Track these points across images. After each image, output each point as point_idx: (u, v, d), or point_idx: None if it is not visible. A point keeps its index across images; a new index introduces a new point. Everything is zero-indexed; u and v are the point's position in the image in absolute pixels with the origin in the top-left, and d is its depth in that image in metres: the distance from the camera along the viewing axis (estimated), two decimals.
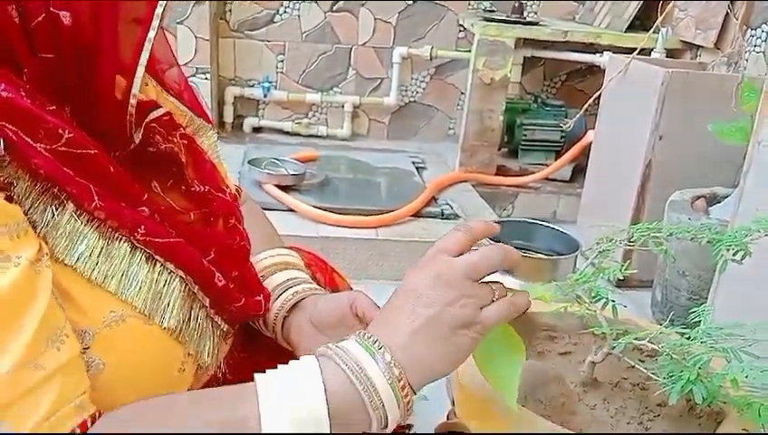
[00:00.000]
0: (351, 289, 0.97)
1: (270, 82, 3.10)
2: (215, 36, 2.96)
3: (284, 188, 2.31)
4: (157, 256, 0.61)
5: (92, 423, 0.53)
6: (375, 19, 3.10)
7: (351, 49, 3.14)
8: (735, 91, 1.82)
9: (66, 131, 0.55)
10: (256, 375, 0.57)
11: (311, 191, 2.38)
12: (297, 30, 3.09)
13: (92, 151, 0.57)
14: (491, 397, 0.70)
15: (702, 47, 2.48)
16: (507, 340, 0.65)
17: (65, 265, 0.56)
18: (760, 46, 2.17)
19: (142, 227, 0.59)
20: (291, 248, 0.90)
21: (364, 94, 3.21)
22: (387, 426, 0.58)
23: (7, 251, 0.50)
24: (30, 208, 0.54)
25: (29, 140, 0.53)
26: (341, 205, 2.25)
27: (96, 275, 0.57)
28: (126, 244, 0.59)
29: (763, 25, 2.17)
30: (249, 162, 2.43)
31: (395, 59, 3.11)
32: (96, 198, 0.56)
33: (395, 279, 2.08)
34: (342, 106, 3.20)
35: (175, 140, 0.70)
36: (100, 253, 0.57)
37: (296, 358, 0.59)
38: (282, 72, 3.15)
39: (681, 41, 2.57)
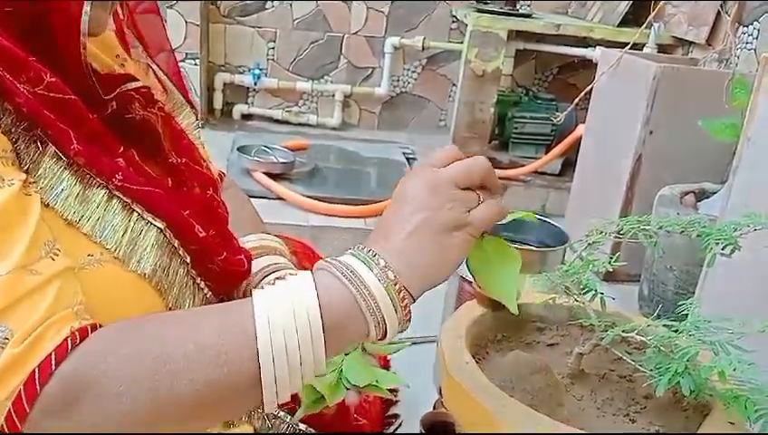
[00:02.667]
0: None
1: (260, 70, 3.08)
2: (205, 21, 2.94)
3: (273, 177, 2.30)
4: (134, 207, 0.62)
5: (92, 331, 0.53)
6: (367, 8, 3.08)
7: (343, 38, 3.13)
8: (726, 87, 1.82)
9: (47, 75, 0.57)
10: (253, 291, 0.58)
11: (300, 180, 2.37)
12: (288, 17, 3.07)
13: (72, 97, 0.59)
14: (478, 387, 0.70)
15: (694, 43, 2.49)
16: (501, 251, 0.65)
17: (45, 203, 0.57)
18: (751, 43, 2.18)
19: (120, 173, 0.61)
20: (279, 237, 0.89)
21: (355, 84, 3.19)
22: (386, 334, 0.58)
23: (1, 173, 0.53)
24: (15, 142, 0.56)
25: (13, 79, 0.54)
26: (331, 194, 2.25)
27: (72, 216, 0.58)
28: (103, 191, 0.60)
29: (755, 23, 2.18)
30: (238, 149, 2.42)
31: (387, 49, 3.10)
32: (75, 142, 0.58)
33: None
34: (333, 95, 3.18)
35: (153, 111, 0.70)
36: (77, 196, 0.58)
37: None
38: (272, 60, 3.13)
39: (673, 37, 2.58)
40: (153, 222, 0.63)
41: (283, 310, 0.55)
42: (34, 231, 0.53)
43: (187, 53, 2.85)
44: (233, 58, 3.11)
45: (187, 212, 0.67)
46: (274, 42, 3.11)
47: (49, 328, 0.51)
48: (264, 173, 2.30)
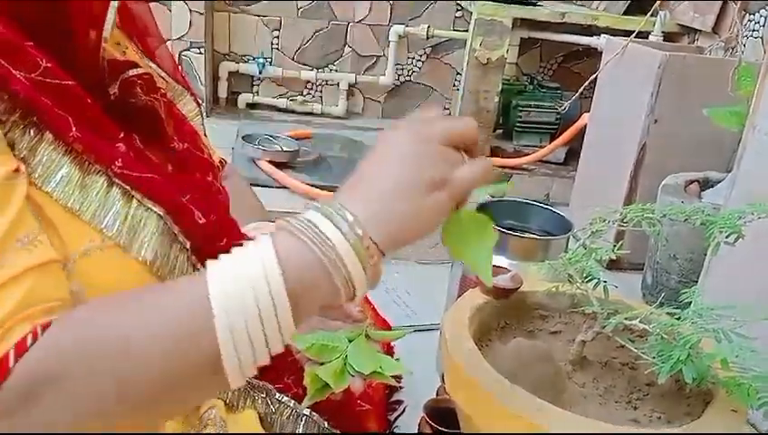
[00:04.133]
0: None
1: (265, 58, 3.08)
2: (209, 10, 2.93)
3: (278, 165, 2.30)
4: (133, 193, 0.61)
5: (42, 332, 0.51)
6: None
7: (348, 26, 3.12)
8: (732, 75, 1.81)
9: (44, 61, 0.57)
10: (209, 263, 0.53)
11: (304, 169, 2.37)
12: (293, 6, 3.06)
13: (69, 83, 0.58)
14: (480, 373, 0.70)
15: (699, 31, 2.47)
16: (477, 223, 0.61)
17: (43, 191, 0.57)
18: (758, 31, 2.17)
19: (119, 160, 0.60)
20: None
21: (360, 72, 3.18)
22: (355, 293, 0.54)
23: None
24: (9, 130, 0.55)
25: (8, 65, 0.54)
26: (335, 183, 2.23)
27: (72, 203, 0.58)
28: (102, 178, 0.60)
29: (761, 10, 2.16)
30: (243, 138, 2.42)
31: (391, 37, 3.09)
32: (74, 129, 0.57)
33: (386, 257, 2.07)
34: (338, 84, 3.18)
35: (155, 97, 0.70)
36: (76, 183, 0.58)
37: None
38: (277, 49, 3.13)
39: (679, 24, 2.56)
40: (153, 208, 0.63)
41: (240, 284, 0.50)
42: (11, 223, 0.51)
43: (191, 42, 2.85)
44: (237, 47, 3.11)
45: (187, 198, 0.67)
46: (279, 30, 3.10)
47: (12, 326, 0.49)
48: (269, 162, 2.30)
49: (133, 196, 0.62)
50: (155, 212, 0.63)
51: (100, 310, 0.53)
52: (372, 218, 0.53)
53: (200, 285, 0.51)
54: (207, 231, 0.68)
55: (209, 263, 0.53)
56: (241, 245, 0.71)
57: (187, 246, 0.66)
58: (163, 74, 0.80)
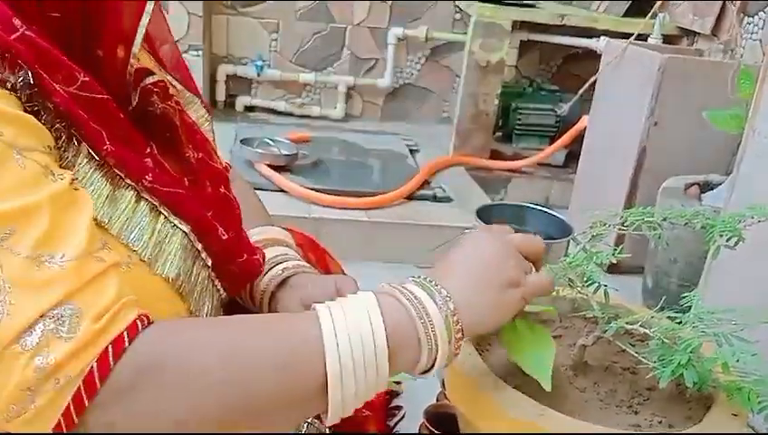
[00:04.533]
0: (344, 272, 0.97)
1: (263, 61, 3.08)
2: (207, 13, 2.93)
3: (276, 168, 2.30)
4: (161, 209, 0.62)
5: (149, 320, 0.54)
6: None
7: (346, 29, 3.12)
8: (731, 78, 1.81)
9: (81, 75, 0.57)
10: (317, 305, 0.59)
11: (303, 172, 2.36)
12: (291, 8, 3.06)
13: (105, 97, 0.59)
14: (481, 378, 0.70)
15: (699, 34, 2.47)
16: (533, 331, 0.69)
17: None
18: (756, 34, 2.17)
19: (149, 174, 0.61)
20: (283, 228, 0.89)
21: (358, 75, 3.19)
22: (433, 365, 0.60)
23: (51, 167, 0.53)
24: (56, 139, 0.56)
25: (49, 78, 0.54)
26: (334, 186, 2.24)
27: (101, 216, 0.58)
28: (131, 192, 0.60)
29: (760, 13, 2.16)
30: (241, 141, 2.42)
31: (390, 40, 3.09)
32: (107, 143, 0.58)
33: (386, 260, 2.07)
34: (336, 87, 3.18)
35: (170, 105, 0.70)
36: (107, 197, 0.58)
37: None
38: (275, 51, 3.13)
39: (678, 27, 2.56)
40: (179, 226, 0.63)
41: (351, 329, 0.56)
42: (91, 221, 0.54)
43: (189, 45, 2.84)
44: (235, 49, 3.11)
45: (210, 213, 0.67)
46: (277, 33, 3.10)
47: (120, 309, 0.52)
48: (267, 165, 2.30)
49: (161, 211, 0.62)
50: (180, 229, 0.63)
51: (207, 319, 0.59)
52: (461, 302, 0.60)
53: (313, 321, 0.57)
54: (229, 247, 0.69)
55: (319, 308, 0.58)
56: (258, 261, 0.74)
57: (209, 264, 0.67)
58: (174, 81, 0.79)
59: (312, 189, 2.18)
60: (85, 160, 0.57)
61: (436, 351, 0.59)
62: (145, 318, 0.53)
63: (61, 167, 0.55)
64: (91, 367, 0.49)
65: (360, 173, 2.48)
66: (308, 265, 0.83)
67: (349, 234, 2.08)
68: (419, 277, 0.62)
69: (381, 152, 2.71)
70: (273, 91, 3.20)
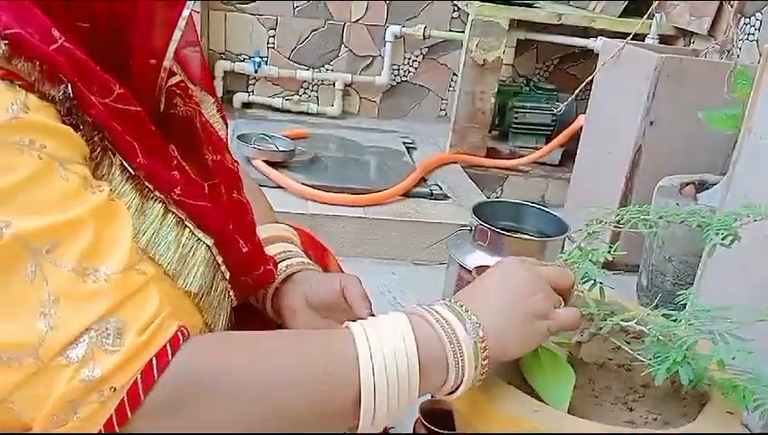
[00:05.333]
0: (341, 270, 0.97)
1: (261, 58, 3.07)
2: (205, 8, 2.92)
3: (273, 165, 2.29)
4: (187, 222, 0.62)
5: (188, 334, 0.55)
6: None
7: (344, 26, 3.11)
8: (728, 78, 1.81)
9: (117, 86, 0.57)
10: (350, 324, 0.60)
11: (300, 168, 2.36)
12: (289, 4, 3.05)
13: (138, 109, 0.59)
14: None
15: (695, 34, 2.48)
16: (555, 362, 0.70)
17: None
18: (753, 34, 2.17)
19: (178, 187, 0.61)
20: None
21: (356, 72, 3.18)
22: (459, 387, 0.61)
23: (90, 179, 0.53)
24: (91, 153, 0.56)
25: (85, 90, 0.54)
26: (331, 183, 2.24)
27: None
28: (159, 205, 0.60)
29: (757, 14, 2.17)
30: (238, 138, 2.41)
31: (388, 37, 3.09)
32: (140, 155, 0.58)
33: (382, 257, 2.08)
34: (333, 84, 3.17)
35: (191, 105, 0.70)
36: (136, 210, 0.58)
37: None
38: (273, 48, 3.12)
39: (675, 27, 2.57)
40: (203, 239, 0.63)
41: (386, 351, 0.57)
42: (131, 234, 0.54)
43: (200, 41, 2.83)
44: (233, 46, 3.10)
45: (231, 226, 0.68)
46: (275, 29, 3.09)
47: (162, 322, 0.52)
48: (264, 161, 2.29)
49: (186, 225, 0.62)
50: (204, 243, 0.63)
51: (244, 334, 0.60)
52: (490, 329, 0.61)
53: (348, 339, 0.58)
54: (247, 260, 0.70)
55: (353, 325, 0.60)
56: (272, 272, 0.76)
57: (227, 276, 0.67)
58: (189, 82, 0.79)
59: (309, 186, 2.18)
60: (118, 172, 0.57)
61: (463, 375, 0.60)
62: (185, 330, 0.54)
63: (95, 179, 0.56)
64: (136, 379, 0.49)
65: (357, 170, 2.48)
66: (311, 262, 0.83)
67: (346, 230, 2.09)
68: (450, 301, 0.64)
69: (378, 149, 2.71)
70: (271, 88, 3.19)
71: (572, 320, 0.67)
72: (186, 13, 0.62)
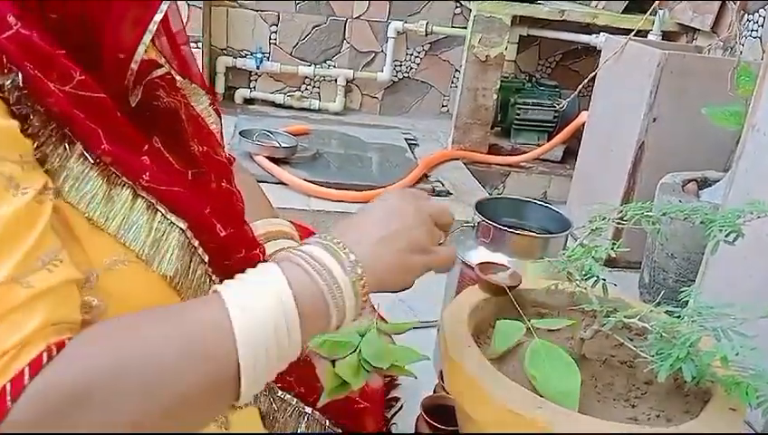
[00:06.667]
0: None
1: (263, 54, 3.07)
2: (207, 4, 2.92)
3: (275, 161, 2.29)
4: (158, 207, 0.61)
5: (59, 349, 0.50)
6: None
7: (346, 22, 3.11)
8: (731, 75, 1.81)
9: (77, 73, 0.56)
10: (220, 288, 0.57)
11: (302, 164, 2.36)
12: (291, 0, 3.05)
13: (101, 95, 0.58)
14: (479, 371, 0.70)
15: (698, 30, 2.47)
16: (563, 365, 0.69)
17: (70, 203, 0.56)
18: (756, 31, 2.17)
19: (147, 173, 0.61)
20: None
21: (358, 68, 3.18)
22: (339, 326, 0.61)
23: (17, 180, 0.51)
24: (42, 144, 0.55)
25: (43, 77, 0.53)
26: (333, 179, 2.24)
27: (97, 216, 0.58)
28: (128, 191, 0.60)
29: (760, 10, 2.16)
30: (240, 134, 2.41)
31: (390, 33, 3.08)
32: (104, 142, 0.57)
33: None
34: (335, 80, 3.17)
35: (176, 98, 0.70)
36: (103, 196, 0.58)
37: None
38: (275, 44, 3.12)
39: (678, 24, 2.56)
40: (176, 223, 0.63)
41: (259, 308, 0.55)
42: (35, 242, 0.51)
43: (189, 37, 2.82)
44: (235, 42, 3.10)
45: (208, 210, 0.67)
46: (277, 26, 3.09)
47: (27, 343, 0.49)
48: (266, 157, 2.29)
49: (158, 209, 0.61)
50: (177, 226, 0.63)
51: (120, 327, 0.54)
52: (367, 260, 0.60)
53: (220, 306, 0.54)
54: (227, 243, 0.69)
55: (223, 289, 0.56)
56: (257, 256, 0.73)
57: (206, 260, 0.67)
58: (178, 75, 0.79)
59: (311, 182, 2.18)
60: (80, 161, 0.57)
61: (344, 315, 0.60)
62: (54, 347, 0.49)
63: (48, 170, 0.55)
64: None
65: (360, 166, 2.48)
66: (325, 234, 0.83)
67: None
68: (326, 237, 0.62)
69: (380, 146, 2.71)
70: (273, 84, 3.19)
71: (449, 258, 0.67)
72: (158, 17, 0.61)
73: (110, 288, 0.57)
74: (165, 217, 0.62)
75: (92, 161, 0.57)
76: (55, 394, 0.48)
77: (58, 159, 0.55)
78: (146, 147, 0.63)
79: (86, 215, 0.57)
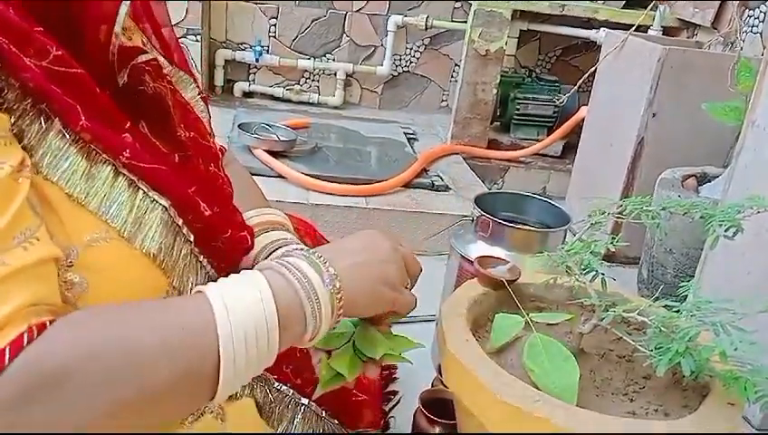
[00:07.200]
0: None
1: (262, 47, 3.06)
2: None
3: (274, 154, 2.29)
4: (140, 184, 0.61)
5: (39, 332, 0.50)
6: None
7: (346, 15, 3.10)
8: (731, 70, 1.81)
9: (54, 48, 0.56)
10: (204, 287, 0.59)
11: (301, 158, 2.36)
12: None
13: (79, 71, 0.58)
14: (477, 364, 0.70)
15: (699, 26, 2.47)
16: (562, 361, 0.70)
17: (49, 180, 0.56)
18: (757, 27, 2.16)
19: (127, 151, 0.60)
20: None
21: (357, 62, 3.17)
22: (315, 336, 0.63)
23: None
24: (18, 118, 0.54)
25: (19, 52, 0.53)
26: (332, 173, 2.24)
27: (78, 193, 0.57)
28: (109, 167, 0.60)
29: (761, 6, 2.16)
30: (239, 127, 2.41)
31: (390, 27, 3.07)
32: (83, 118, 0.57)
33: None
34: (335, 74, 3.16)
35: (162, 84, 0.70)
36: (82, 173, 0.58)
37: None
38: (274, 37, 3.11)
39: (678, 19, 2.56)
40: (158, 200, 0.62)
41: (241, 311, 0.57)
42: (11, 219, 0.50)
43: (188, 29, 2.82)
44: (234, 35, 3.09)
45: (193, 189, 0.67)
46: (276, 19, 3.08)
47: (8, 324, 0.49)
48: (265, 151, 2.29)
49: (139, 187, 0.61)
50: (160, 203, 0.63)
51: (101, 313, 0.55)
52: (346, 282, 0.64)
53: (205, 305, 0.56)
54: (212, 223, 0.69)
55: (206, 288, 0.58)
56: (245, 237, 0.71)
57: (191, 239, 0.66)
58: (165, 61, 0.79)
59: (310, 176, 2.18)
60: (58, 137, 0.56)
61: (320, 324, 0.62)
62: (35, 329, 0.49)
63: (25, 146, 0.54)
64: None
65: (359, 160, 2.47)
66: (307, 248, 0.83)
67: (347, 220, 2.08)
68: (309, 252, 0.65)
69: (379, 140, 2.71)
70: (272, 78, 3.18)
71: (411, 303, 0.72)
72: None
73: (91, 265, 0.57)
74: (147, 194, 0.62)
75: (70, 138, 0.57)
76: (35, 375, 0.48)
77: (35, 135, 0.55)
78: (127, 124, 0.62)
79: (66, 191, 0.57)
